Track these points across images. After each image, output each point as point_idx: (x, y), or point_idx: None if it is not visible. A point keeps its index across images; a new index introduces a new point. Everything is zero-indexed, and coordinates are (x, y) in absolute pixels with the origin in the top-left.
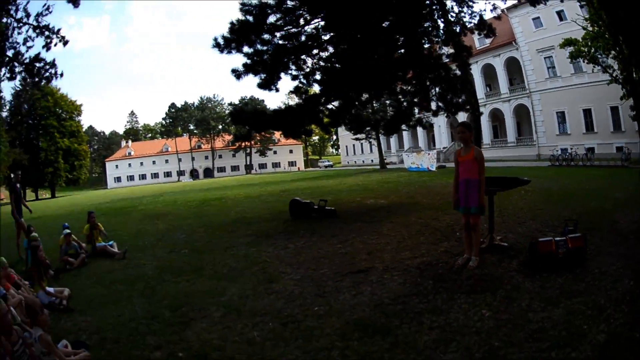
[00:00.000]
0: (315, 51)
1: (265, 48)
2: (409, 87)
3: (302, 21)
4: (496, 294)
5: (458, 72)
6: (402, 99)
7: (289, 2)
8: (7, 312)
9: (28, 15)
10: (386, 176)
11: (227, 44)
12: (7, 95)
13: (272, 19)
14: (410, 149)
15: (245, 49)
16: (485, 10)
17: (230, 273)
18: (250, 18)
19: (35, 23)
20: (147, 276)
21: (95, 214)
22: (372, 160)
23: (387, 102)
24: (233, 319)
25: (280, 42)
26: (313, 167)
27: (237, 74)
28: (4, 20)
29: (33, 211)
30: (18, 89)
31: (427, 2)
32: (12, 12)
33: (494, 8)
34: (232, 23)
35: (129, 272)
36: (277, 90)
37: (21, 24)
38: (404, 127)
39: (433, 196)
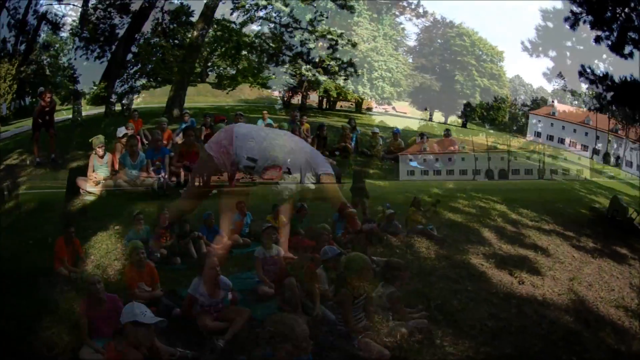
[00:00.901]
0: (604, 56)
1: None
2: None
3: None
4: None
5: None
6: None
7: (574, 8)
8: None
9: (297, 21)
10: None
11: (534, 48)
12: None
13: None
14: None
15: (551, 52)
16: None
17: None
18: (550, 24)
19: (310, 28)
20: (465, 260)
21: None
22: None
23: None
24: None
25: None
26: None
27: (548, 78)
28: (263, 27)
29: None
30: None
31: None
32: (275, 19)
33: None
34: (537, 29)
35: (452, 255)
36: (578, 94)
37: (290, 29)
38: None
39: None
